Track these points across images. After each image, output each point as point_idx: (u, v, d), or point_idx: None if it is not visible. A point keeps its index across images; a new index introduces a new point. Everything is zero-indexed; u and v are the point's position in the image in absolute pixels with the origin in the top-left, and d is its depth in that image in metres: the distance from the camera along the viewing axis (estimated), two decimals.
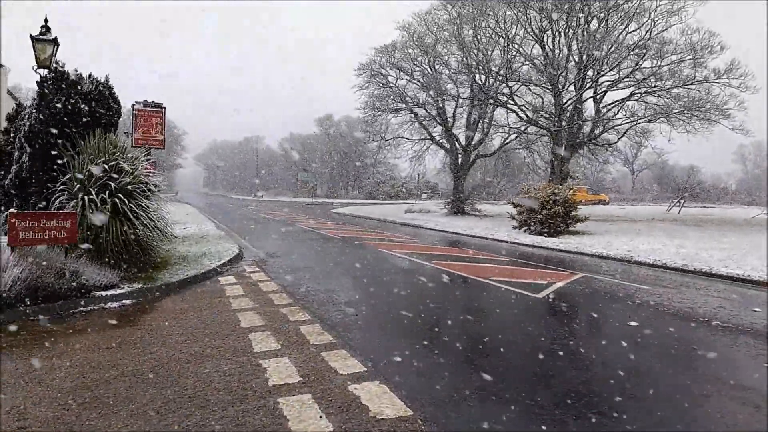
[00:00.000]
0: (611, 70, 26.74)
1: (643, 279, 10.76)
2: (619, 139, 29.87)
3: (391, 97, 35.44)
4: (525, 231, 19.94)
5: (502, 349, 5.74)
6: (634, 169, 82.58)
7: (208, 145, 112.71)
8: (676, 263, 12.38)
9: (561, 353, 5.62)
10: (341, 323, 6.66)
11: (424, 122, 35.57)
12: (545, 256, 14.28)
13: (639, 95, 26.94)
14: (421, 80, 33.86)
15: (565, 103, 27.55)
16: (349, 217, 31.74)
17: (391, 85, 35.45)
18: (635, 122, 28.08)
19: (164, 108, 19.45)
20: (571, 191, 19.98)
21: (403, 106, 35.48)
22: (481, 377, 4.82)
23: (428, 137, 36.15)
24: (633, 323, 6.95)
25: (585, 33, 26.60)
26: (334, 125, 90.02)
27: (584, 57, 26.42)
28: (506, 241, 17.92)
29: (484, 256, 13.77)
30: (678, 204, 36.62)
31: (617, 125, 28.60)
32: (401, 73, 34.88)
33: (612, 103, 28.19)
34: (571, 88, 27.94)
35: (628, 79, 26.52)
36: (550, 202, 19.01)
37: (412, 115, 35.72)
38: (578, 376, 4.94)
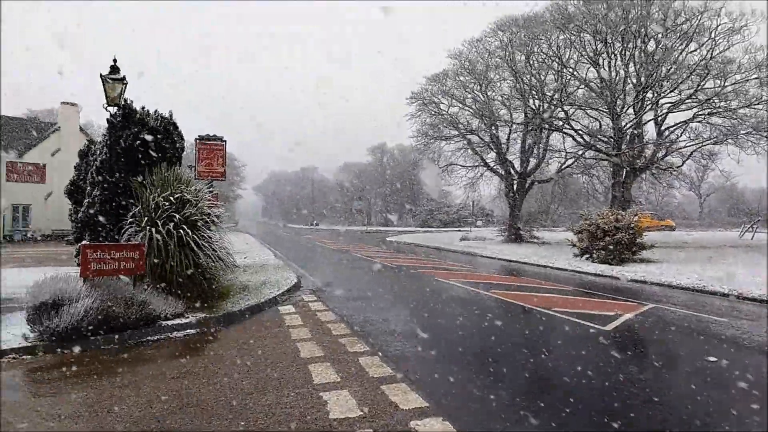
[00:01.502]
0: (672, 91, 25.84)
1: (718, 310, 10.13)
2: (683, 162, 28.70)
3: (444, 124, 35.56)
4: (587, 259, 19.27)
5: (568, 386, 5.47)
6: (701, 193, 78.93)
7: (266, 176, 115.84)
8: (753, 293, 11.62)
9: (633, 391, 5.31)
10: (400, 355, 6.56)
11: (477, 149, 35.41)
12: (610, 286, 13.71)
13: (703, 116, 25.84)
14: (473, 107, 33.81)
15: (625, 126, 26.78)
16: (403, 245, 31.70)
17: (443, 112, 35.58)
18: (700, 144, 26.94)
19: (225, 141, 20.17)
20: (636, 217, 19.21)
21: (456, 133, 35.49)
22: (547, 416, 4.60)
23: (482, 164, 35.90)
24: (711, 358, 6.51)
25: (642, 54, 25.92)
26: (387, 153, 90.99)
27: (642, 79, 25.70)
28: (567, 270, 17.36)
29: (544, 286, 13.36)
30: (751, 229, 34.60)
31: (681, 148, 27.48)
32: (453, 101, 34.98)
33: (674, 125, 27.15)
34: (630, 110, 27.16)
35: (690, 100, 25.50)
36: (614, 228, 18.34)
37: (465, 142, 35.65)
38: (654, 417, 4.63)
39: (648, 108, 26.72)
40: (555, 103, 28.82)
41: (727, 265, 17.19)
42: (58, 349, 6.59)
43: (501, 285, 13.38)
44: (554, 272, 17.02)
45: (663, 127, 27.32)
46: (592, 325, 8.44)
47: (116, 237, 9.62)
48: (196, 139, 19.87)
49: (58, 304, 6.86)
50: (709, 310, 10.06)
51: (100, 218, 10.23)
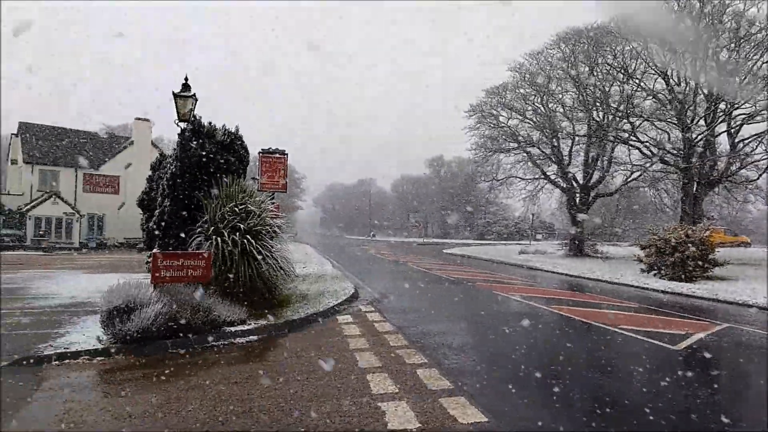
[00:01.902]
0: (746, 102, 24.51)
1: None
2: (759, 176, 27.02)
3: (503, 137, 35.22)
4: (654, 275, 18.48)
5: (635, 408, 5.22)
6: None
7: (325, 188, 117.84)
8: None
9: (707, 414, 5.03)
10: (458, 369, 6.48)
11: (537, 161, 34.81)
12: (680, 303, 13.08)
13: None
14: (533, 119, 33.32)
15: (695, 138, 25.59)
16: (460, 258, 31.41)
17: (503, 125, 35.24)
18: None
19: (286, 154, 20.70)
20: (707, 232, 18.27)
21: (515, 145, 35.04)
22: None
23: (542, 176, 35.23)
24: None
25: (714, 65, 24.75)
26: (445, 166, 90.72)
27: (714, 90, 24.52)
28: (633, 286, 16.70)
29: (608, 302, 12.89)
30: None
31: (757, 161, 25.96)
32: (513, 113, 34.62)
33: (749, 137, 25.67)
34: (701, 122, 25.94)
35: (765, 112, 24.11)
36: (683, 243, 17.52)
37: (525, 155, 35.13)
38: None
39: (720, 119, 25.46)
40: (620, 114, 27.96)
41: None
42: (129, 352, 6.90)
43: (562, 300, 13.00)
44: (619, 288, 16.41)
45: (737, 139, 25.93)
46: (660, 344, 8.05)
47: (184, 246, 10.03)
48: (259, 153, 20.49)
49: (130, 309, 7.20)
50: None
51: (170, 228, 10.70)
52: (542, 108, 33.27)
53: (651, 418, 4.92)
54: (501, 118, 35.60)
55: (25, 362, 6.34)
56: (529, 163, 35.41)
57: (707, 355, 7.64)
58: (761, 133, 24.99)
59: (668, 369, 6.79)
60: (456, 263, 26.82)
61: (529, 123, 33.98)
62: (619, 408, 5.26)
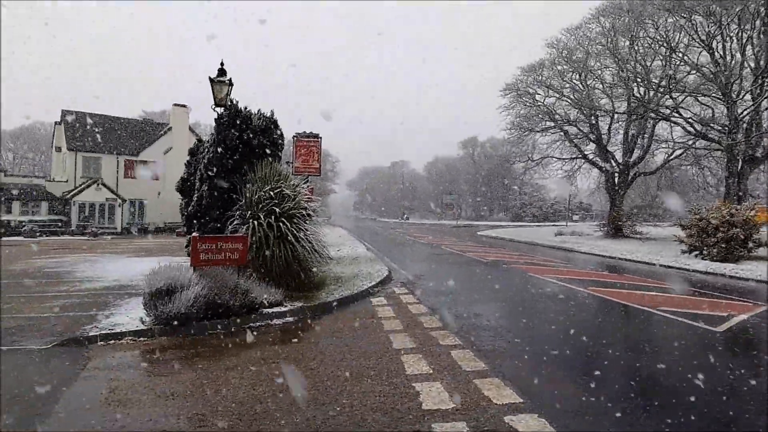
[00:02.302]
0: None
1: None
2: None
3: (539, 116, 34.54)
4: (696, 256, 17.98)
5: (677, 390, 5.14)
6: None
7: (358, 171, 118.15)
8: None
9: (748, 397, 4.91)
10: (493, 350, 6.47)
11: (575, 140, 34.09)
12: (722, 285, 12.72)
13: None
14: (571, 97, 32.53)
15: (741, 113, 24.60)
16: (494, 240, 31.17)
17: (539, 103, 34.55)
18: None
19: (320, 138, 20.83)
20: (753, 211, 17.64)
21: (552, 124, 34.38)
22: (652, 421, 4.36)
23: (580, 155, 34.52)
24: None
25: (761, 36, 23.64)
26: (479, 147, 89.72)
27: (762, 62, 23.44)
28: (674, 267, 16.29)
29: (648, 284, 12.61)
30: None
31: None
32: (549, 91, 33.88)
33: None
34: (748, 96, 24.89)
35: None
36: (727, 223, 16.96)
37: (562, 134, 34.44)
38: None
39: None
40: (662, 90, 27.04)
41: None
42: (171, 333, 7.13)
43: (600, 282, 12.79)
44: (659, 270, 16.03)
45: None
46: (701, 325, 7.87)
47: (222, 229, 10.24)
48: (294, 137, 20.69)
49: (171, 291, 7.42)
50: None
51: (208, 212, 10.92)
52: (580, 85, 32.48)
53: (688, 399, 4.83)
54: (537, 97, 34.92)
55: (72, 343, 6.62)
56: (566, 143, 34.71)
57: (749, 337, 7.44)
58: None
59: (708, 351, 6.63)
60: (490, 245, 26.63)
61: (566, 101, 33.21)
62: (657, 390, 5.17)
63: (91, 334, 6.88)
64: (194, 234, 8.92)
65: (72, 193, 34.03)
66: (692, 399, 4.87)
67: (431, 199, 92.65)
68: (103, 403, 4.72)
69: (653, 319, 8.46)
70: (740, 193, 23.72)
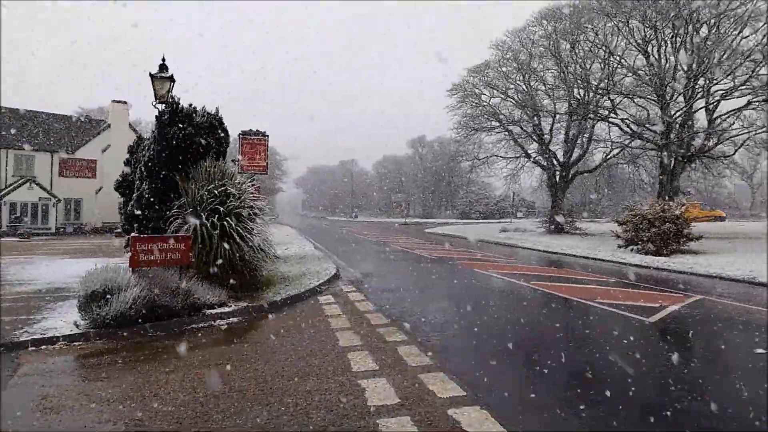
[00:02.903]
0: (725, 78, 24.76)
1: None
2: (735, 151, 27.47)
3: (485, 115, 35.21)
4: (632, 250, 18.79)
5: (611, 379, 5.35)
6: (753, 182, 75.52)
7: (306, 170, 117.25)
8: None
9: (677, 384, 5.16)
10: (438, 345, 6.55)
11: (519, 140, 34.95)
12: (655, 277, 13.34)
13: (757, 103, 24.68)
14: (515, 97, 33.33)
15: (674, 114, 25.84)
16: (442, 237, 31.57)
17: (485, 103, 35.24)
18: (754, 132, 25.73)
19: (267, 136, 20.53)
20: (684, 207, 18.59)
21: (497, 124, 35.10)
22: (589, 408, 4.52)
23: (523, 155, 35.42)
24: (760, 350, 6.27)
25: (694, 41, 24.91)
26: (427, 146, 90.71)
27: (694, 66, 24.70)
28: (611, 261, 16.98)
29: (587, 277, 13.09)
30: None
31: (733, 136, 26.33)
32: (495, 92, 34.60)
33: (727, 113, 26.01)
34: (680, 98, 26.17)
35: (744, 87, 24.39)
36: (660, 219, 17.80)
37: (507, 133, 35.23)
38: (700, 411, 4.49)
39: (699, 96, 25.70)
40: (601, 92, 28.07)
41: None
42: (108, 336, 6.87)
43: (541, 276, 13.18)
44: (597, 263, 16.66)
45: (714, 115, 26.24)
46: (635, 316, 8.24)
47: (163, 229, 9.94)
48: (239, 134, 20.29)
49: (107, 293, 7.14)
50: (758, 302, 9.69)
51: (148, 211, 10.58)
52: (524, 86, 33.28)
53: (623, 387, 5.04)
54: (483, 97, 35.59)
55: (1, 349, 6.27)
56: (511, 142, 35.53)
57: (679, 326, 7.83)
58: (739, 108, 25.34)
59: (642, 340, 6.95)
60: (437, 242, 26.97)
61: (510, 101, 33.98)
62: (593, 378, 5.37)
63: (21, 339, 6.53)
64: (133, 234, 8.61)
65: (2, 193, 32.22)
66: (626, 386, 5.09)
67: (380, 198, 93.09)
68: (34, 410, 4.49)
69: (591, 312, 8.78)
70: (672, 191, 24.91)
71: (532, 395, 4.87)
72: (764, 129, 25.13)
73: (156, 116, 10.72)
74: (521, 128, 34.45)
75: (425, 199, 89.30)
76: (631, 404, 4.67)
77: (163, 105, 10.61)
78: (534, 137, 34.08)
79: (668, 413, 4.46)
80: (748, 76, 23.88)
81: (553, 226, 31.64)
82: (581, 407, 4.54)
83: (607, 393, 4.90)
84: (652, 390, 5.03)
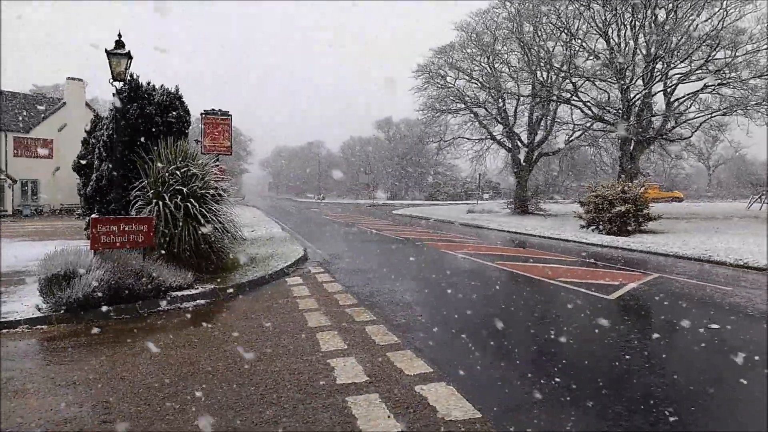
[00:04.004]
0: (682, 62, 25.42)
1: (722, 280, 10.18)
2: (692, 133, 28.37)
3: (450, 97, 35.29)
4: (593, 230, 19.31)
5: (572, 354, 5.56)
6: (709, 164, 78.19)
7: (272, 151, 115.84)
8: (758, 263, 11.65)
9: (634, 357, 5.40)
10: (406, 324, 6.66)
11: (484, 122, 35.19)
12: (615, 256, 13.76)
13: (713, 87, 25.47)
14: (480, 80, 33.51)
15: (633, 97, 26.43)
16: (409, 218, 31.77)
17: (450, 85, 35.29)
18: (710, 115, 26.58)
19: (230, 116, 20.18)
20: (642, 188, 19.16)
21: (463, 106, 35.24)
22: (551, 382, 4.69)
23: (489, 137, 35.74)
24: (713, 326, 6.58)
25: (652, 25, 25.44)
26: (394, 127, 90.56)
27: (652, 49, 25.26)
28: (573, 241, 17.42)
29: (550, 257, 13.43)
30: (759, 200, 34.36)
31: (690, 119, 27.14)
32: (460, 74, 34.67)
33: (684, 96, 26.76)
34: (639, 82, 26.77)
35: (700, 71, 25.10)
36: (620, 200, 18.31)
37: (472, 115, 35.42)
38: (653, 382, 4.71)
39: (657, 79, 26.34)
40: (563, 74, 28.47)
41: (733, 235, 17.15)
42: (71, 320, 6.75)
43: (506, 256, 13.45)
44: (560, 243, 17.08)
45: (672, 99, 26.98)
46: (596, 294, 8.52)
47: (124, 211, 9.73)
48: (201, 114, 19.90)
49: (69, 276, 7.00)
50: (713, 280, 10.11)
51: (108, 193, 10.34)
52: (488, 68, 33.44)
53: (583, 360, 5.24)
54: (448, 79, 35.61)
55: None
56: (476, 124, 35.75)
57: (637, 303, 8.14)
58: (695, 92, 26.11)
59: (602, 316, 7.20)
60: (405, 224, 27.14)
61: (475, 83, 34.14)
62: (556, 353, 5.57)
63: None
64: (93, 215, 8.42)
65: None
66: (586, 360, 5.30)
67: (348, 179, 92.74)
68: None
69: (554, 290, 9.04)
70: (632, 172, 25.59)
71: (497, 370, 5.03)
72: (720, 112, 25.97)
73: (113, 94, 10.42)
74: (486, 110, 34.70)
75: (393, 180, 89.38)
76: (590, 376, 4.87)
77: (121, 83, 10.31)
78: (499, 119, 34.40)
79: (625, 384, 4.67)
80: (704, 60, 24.61)
81: (518, 208, 32.18)
82: (542, 380, 4.71)
83: (569, 366, 5.09)
84: (611, 362, 5.25)
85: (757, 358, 5.37)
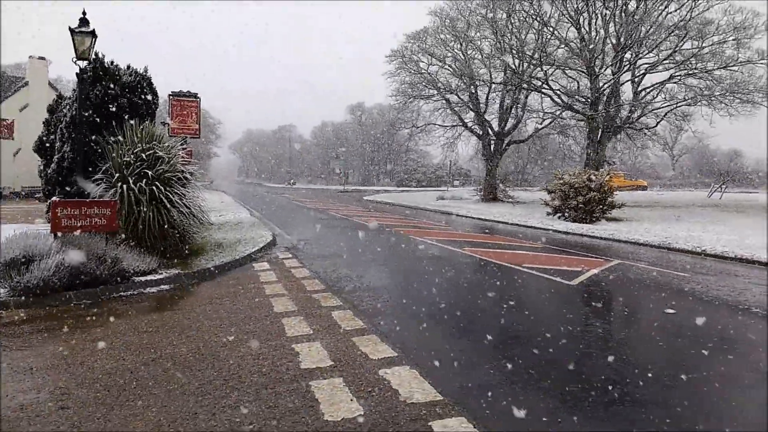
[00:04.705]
0: (650, 52, 25.92)
1: (681, 266, 10.50)
2: (658, 123, 28.98)
3: (423, 83, 35.27)
4: (559, 217, 19.66)
5: (534, 337, 5.69)
6: (673, 154, 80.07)
7: (242, 134, 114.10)
8: (716, 250, 12.05)
9: (594, 341, 5.56)
10: (372, 309, 6.71)
11: (456, 108, 35.29)
12: (580, 243, 14.05)
13: (679, 77, 26.07)
14: (453, 66, 33.54)
15: (602, 86, 26.84)
16: (380, 205, 31.80)
17: (423, 71, 35.25)
18: (675, 105, 27.19)
19: (199, 98, 19.79)
20: (608, 177, 19.56)
21: (435, 92, 35.26)
22: (512, 364, 4.80)
23: (460, 123, 35.86)
24: (670, 311, 6.80)
25: (622, 14, 25.81)
26: (366, 112, 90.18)
27: (622, 39, 25.66)
28: (540, 228, 17.71)
29: (517, 243, 13.64)
30: (719, 189, 35.46)
31: (656, 109, 27.72)
32: (433, 59, 34.65)
33: (651, 86, 27.32)
34: (608, 71, 27.17)
35: (667, 61, 25.65)
36: (586, 188, 18.66)
37: (444, 102, 35.48)
38: (612, 365, 4.86)
39: (626, 69, 26.79)
40: (534, 62, 28.70)
41: (694, 223, 17.69)
42: (30, 305, 6.59)
43: (474, 243, 13.61)
44: (527, 230, 17.35)
45: (639, 88, 27.49)
46: (559, 280, 8.71)
47: (87, 194, 9.50)
48: (169, 95, 19.47)
49: (28, 260, 6.84)
50: (672, 266, 10.42)
51: (70, 175, 10.08)
52: (461, 54, 33.48)
53: (544, 344, 5.37)
54: (421, 64, 35.57)
55: None
56: (448, 110, 35.83)
57: (598, 289, 8.35)
58: (662, 82, 26.66)
59: (564, 302, 7.39)
60: (376, 210, 27.17)
61: (448, 69, 34.15)
62: (518, 337, 5.69)
63: None
64: (54, 198, 8.22)
65: None
66: (547, 343, 5.42)
67: (319, 165, 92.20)
68: None
69: (519, 275, 9.20)
70: (599, 160, 26.06)
71: (461, 353, 5.11)
72: (685, 102, 26.59)
73: (77, 74, 10.11)
74: (458, 97, 34.81)
75: (364, 166, 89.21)
76: (550, 358, 4.99)
77: (85, 62, 10.00)
78: (470, 106, 34.52)
79: (583, 365, 4.80)
80: (671, 51, 25.12)
81: (487, 195, 32.49)
82: (504, 363, 4.81)
83: (530, 350, 5.21)
84: (571, 345, 5.39)
85: (709, 339, 5.58)
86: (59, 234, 7.75)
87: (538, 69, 28.85)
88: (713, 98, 25.17)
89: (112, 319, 6.20)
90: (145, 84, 11.15)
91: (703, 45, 24.27)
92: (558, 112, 30.13)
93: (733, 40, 23.69)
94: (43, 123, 14.19)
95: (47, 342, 5.34)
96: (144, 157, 9.40)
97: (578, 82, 28.90)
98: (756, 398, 4.25)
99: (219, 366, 4.67)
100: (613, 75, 26.56)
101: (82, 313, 6.47)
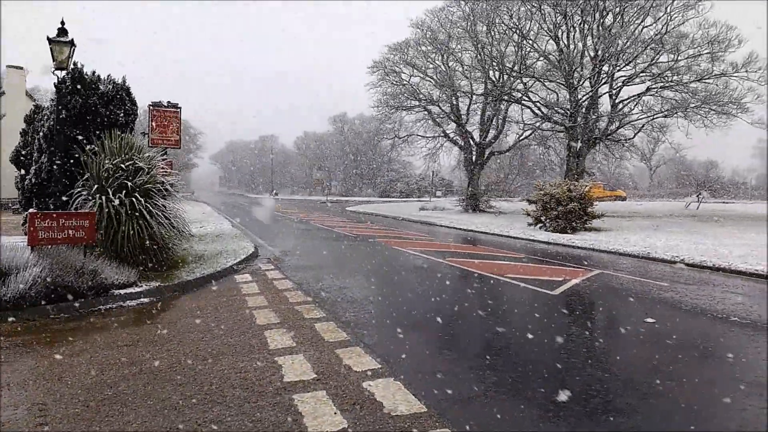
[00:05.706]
0: (627, 65, 26.49)
1: (660, 275, 10.64)
2: (635, 134, 29.57)
3: (405, 94, 35.54)
4: (540, 228, 19.82)
5: (516, 347, 5.73)
6: (651, 164, 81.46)
7: (224, 145, 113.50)
8: (694, 259, 12.23)
9: (576, 351, 5.60)
10: (355, 321, 6.69)
11: (437, 119, 35.60)
12: (561, 253, 14.18)
13: (656, 90, 26.66)
14: (434, 77, 33.86)
15: (581, 98, 27.31)
16: (363, 215, 31.77)
17: (405, 82, 35.55)
18: (652, 117, 27.76)
19: (180, 108, 19.64)
20: (587, 187, 19.81)
21: (417, 103, 35.53)
22: (495, 375, 4.82)
23: (442, 134, 36.15)
24: (649, 320, 6.88)
25: (600, 28, 26.34)
26: (348, 123, 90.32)
27: (599, 52, 26.16)
28: (521, 238, 17.84)
29: (498, 254, 13.73)
30: (696, 200, 36.08)
31: (634, 120, 28.32)
32: (414, 71, 34.95)
33: (628, 98, 27.89)
34: (587, 83, 27.66)
35: (644, 74, 26.26)
36: (566, 198, 18.87)
37: (426, 113, 35.77)
38: (593, 374, 4.90)
39: (604, 81, 27.31)
40: (514, 74, 29.09)
41: (672, 233, 17.96)
42: (5, 319, 6.44)
43: (456, 253, 13.67)
44: (508, 241, 17.46)
45: (617, 100, 28.01)
46: (540, 290, 8.77)
47: (65, 206, 9.37)
48: (149, 106, 19.30)
49: (4, 273, 6.70)
50: (652, 276, 10.56)
51: (48, 186, 9.94)
52: (442, 66, 33.84)
53: (526, 354, 5.40)
54: (403, 76, 35.88)
55: None
56: (430, 121, 36.14)
57: (579, 298, 8.43)
58: (639, 94, 27.21)
59: (546, 311, 7.43)
60: (358, 221, 27.15)
61: (430, 81, 34.49)
62: (501, 348, 5.72)
63: None
64: (31, 210, 8.08)
65: None
66: (529, 353, 5.47)
67: (301, 175, 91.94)
68: None
69: (501, 286, 9.26)
70: (578, 171, 26.43)
71: (444, 365, 5.12)
72: (661, 114, 27.15)
73: (55, 84, 10.01)
74: (440, 108, 35.13)
75: (347, 177, 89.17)
76: (533, 369, 5.02)
77: (64, 72, 9.91)
78: (452, 117, 34.83)
79: (566, 375, 4.84)
80: (648, 63, 25.67)
81: (469, 206, 32.69)
82: (487, 374, 4.83)
83: (513, 360, 5.24)
84: (553, 355, 5.43)
85: (688, 348, 5.66)
86: (37, 246, 7.62)
87: (518, 81, 29.26)
88: (689, 110, 25.75)
89: (91, 332, 6.10)
90: (124, 94, 11.07)
91: (679, 58, 24.88)
92: (538, 124, 30.54)
93: (708, 53, 24.31)
94: (20, 133, 14.01)
95: (24, 356, 5.24)
96: (123, 167, 9.30)
97: (557, 94, 29.36)
98: (736, 404, 4.31)
99: (201, 380, 4.61)
100: (592, 87, 27.04)
101: (60, 326, 6.35)
